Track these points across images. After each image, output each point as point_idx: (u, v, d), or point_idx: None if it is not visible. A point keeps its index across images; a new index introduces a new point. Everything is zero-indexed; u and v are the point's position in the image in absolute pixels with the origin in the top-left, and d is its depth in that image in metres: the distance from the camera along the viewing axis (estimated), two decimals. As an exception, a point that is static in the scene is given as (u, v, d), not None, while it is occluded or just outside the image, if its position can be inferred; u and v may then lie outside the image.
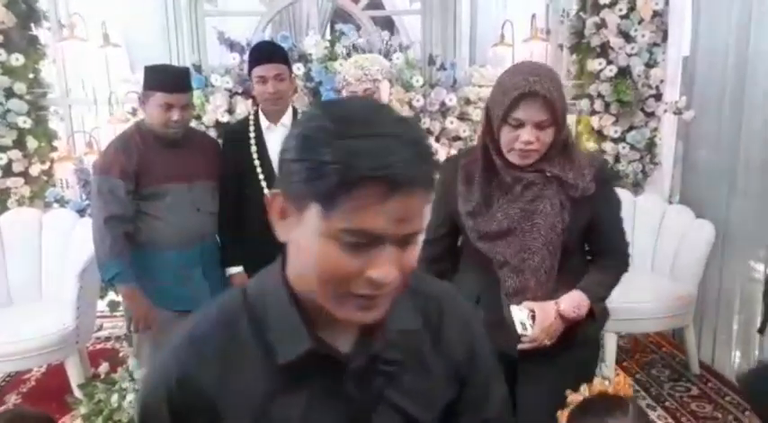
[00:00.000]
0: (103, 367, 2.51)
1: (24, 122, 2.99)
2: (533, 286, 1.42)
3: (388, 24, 4.44)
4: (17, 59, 2.96)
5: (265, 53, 2.20)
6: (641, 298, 2.71)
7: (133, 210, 1.97)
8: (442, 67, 3.14)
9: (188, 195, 2.06)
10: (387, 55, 2.91)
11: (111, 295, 2.95)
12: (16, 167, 3.02)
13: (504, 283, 1.42)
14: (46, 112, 3.17)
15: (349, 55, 2.86)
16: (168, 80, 2.01)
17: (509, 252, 1.41)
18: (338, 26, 3.08)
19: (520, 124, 1.32)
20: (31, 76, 3.09)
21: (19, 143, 3.02)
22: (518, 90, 1.29)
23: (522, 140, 1.33)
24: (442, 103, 3.07)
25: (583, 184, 1.38)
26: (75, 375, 2.61)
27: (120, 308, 2.92)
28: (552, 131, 1.34)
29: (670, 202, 3.15)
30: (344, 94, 2.34)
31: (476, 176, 1.44)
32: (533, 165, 1.39)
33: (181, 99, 2.00)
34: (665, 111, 3.12)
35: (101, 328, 3.43)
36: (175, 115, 1.98)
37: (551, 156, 1.39)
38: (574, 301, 1.41)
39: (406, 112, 2.96)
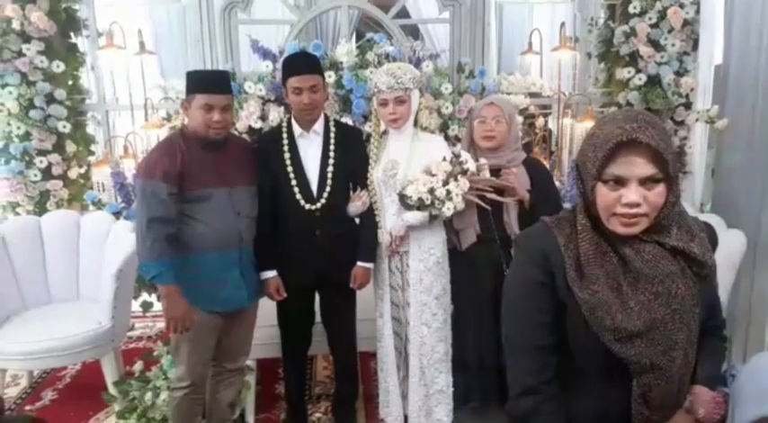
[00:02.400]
0: (138, 366, 2.59)
1: (64, 127, 3.10)
2: (677, 391, 1.16)
3: (412, 32, 4.49)
4: (58, 66, 3.06)
5: (301, 64, 2.25)
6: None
7: (175, 212, 2.02)
8: (471, 75, 3.17)
9: (229, 199, 2.10)
10: (417, 64, 2.95)
11: (144, 296, 3.03)
12: (55, 171, 3.12)
13: (648, 394, 1.13)
14: (84, 117, 3.27)
15: (380, 63, 2.90)
16: (208, 82, 2.06)
17: (654, 352, 1.11)
18: (369, 34, 3.12)
19: (620, 182, 1.06)
20: (70, 82, 3.19)
21: (59, 147, 3.12)
22: (614, 139, 1.05)
23: (626, 202, 1.06)
24: (471, 111, 3.09)
25: (711, 261, 1.15)
26: (110, 373, 2.68)
27: (154, 308, 2.99)
28: (663, 190, 1.07)
29: (701, 211, 3.13)
30: (374, 101, 2.37)
31: (586, 255, 1.15)
32: (646, 234, 1.12)
33: (221, 100, 2.05)
34: (697, 119, 3.11)
35: (132, 327, 3.51)
36: (216, 116, 2.03)
37: (664, 223, 1.12)
38: (710, 402, 1.18)
39: (434, 119, 3.00)
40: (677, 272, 1.12)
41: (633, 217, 1.07)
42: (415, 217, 2.23)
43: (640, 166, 1.05)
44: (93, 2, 3.25)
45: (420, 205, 2.22)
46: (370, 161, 2.37)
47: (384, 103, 2.26)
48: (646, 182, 1.06)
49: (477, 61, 3.29)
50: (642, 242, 1.12)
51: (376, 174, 2.34)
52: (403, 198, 2.25)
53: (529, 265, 1.20)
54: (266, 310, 2.42)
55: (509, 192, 2.26)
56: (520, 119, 3.21)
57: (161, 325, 3.60)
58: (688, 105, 3.17)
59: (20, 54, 3.00)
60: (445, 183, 2.21)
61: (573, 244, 1.16)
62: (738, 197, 2.96)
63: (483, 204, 2.23)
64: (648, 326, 1.10)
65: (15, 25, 2.95)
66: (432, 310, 2.32)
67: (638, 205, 1.06)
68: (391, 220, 2.32)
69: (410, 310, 2.34)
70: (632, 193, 1.05)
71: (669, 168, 1.06)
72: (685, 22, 3.07)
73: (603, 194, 1.08)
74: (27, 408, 2.81)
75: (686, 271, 1.13)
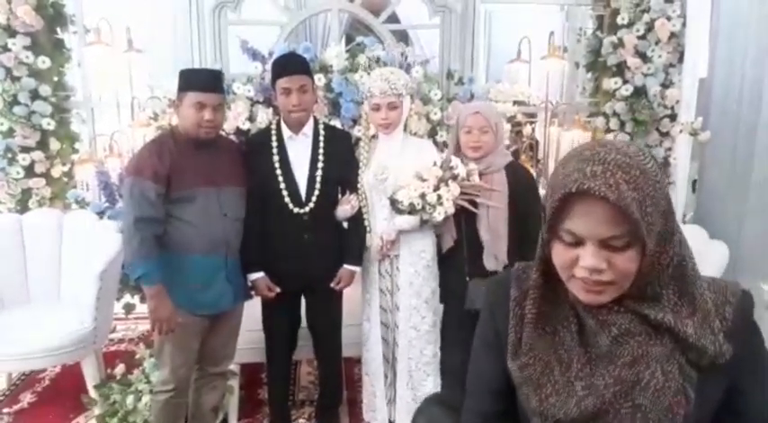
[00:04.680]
0: (119, 369, 2.55)
1: (48, 124, 3.03)
2: None
3: (401, 37, 4.49)
4: (44, 62, 3.01)
5: (290, 65, 2.24)
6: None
7: (163, 212, 2.00)
8: (460, 82, 3.19)
9: (216, 201, 2.08)
10: (407, 69, 2.95)
11: (127, 297, 2.98)
12: (38, 168, 3.06)
13: None
14: (69, 114, 3.21)
15: (370, 67, 2.90)
16: (201, 79, 2.05)
17: None
18: (360, 38, 3.12)
19: (577, 241, 0.83)
20: (55, 78, 3.14)
21: (42, 144, 3.06)
22: (565, 187, 0.81)
23: (585, 266, 0.82)
24: (456, 117, 3.10)
25: (714, 347, 0.84)
26: (91, 376, 2.63)
27: (136, 310, 2.95)
28: (635, 255, 0.81)
29: (683, 222, 3.17)
30: (366, 105, 2.37)
31: (527, 320, 0.93)
32: (621, 304, 0.87)
33: (213, 99, 2.03)
34: (681, 131, 3.15)
35: (114, 329, 3.46)
36: (208, 114, 2.01)
37: (649, 290, 0.86)
38: None
39: (423, 124, 3.00)
40: (659, 356, 0.85)
41: (597, 285, 0.83)
42: (406, 221, 2.24)
43: (599, 225, 0.80)
44: (81, -2, 3.20)
45: (411, 210, 2.23)
46: (360, 165, 2.37)
47: (376, 108, 2.27)
48: (607, 243, 0.81)
49: (465, 68, 3.31)
50: (613, 312, 0.87)
51: (366, 178, 2.34)
52: (394, 203, 2.26)
53: (484, 319, 1.04)
54: (250, 314, 2.40)
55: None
56: (507, 126, 3.23)
57: (143, 327, 3.57)
58: (673, 117, 3.21)
59: (5, 49, 2.94)
60: (436, 188, 2.22)
61: (522, 301, 0.95)
62: (720, 209, 3.01)
63: (474, 209, 2.25)
64: (589, 419, 0.86)
65: (1, 19, 2.90)
66: (421, 313, 2.32)
67: (600, 271, 0.82)
68: (382, 225, 2.32)
69: (399, 314, 2.34)
70: (589, 257, 0.81)
71: (641, 229, 0.79)
72: (672, 35, 3.11)
73: (559, 253, 0.86)
74: (4, 410, 2.75)
75: (676, 356, 0.85)
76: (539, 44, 3.83)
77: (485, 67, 4.57)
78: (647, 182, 0.79)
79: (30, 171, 3.05)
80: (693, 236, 2.94)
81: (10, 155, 3.02)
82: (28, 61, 2.98)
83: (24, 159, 3.02)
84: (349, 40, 3.59)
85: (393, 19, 3.66)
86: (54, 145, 3.10)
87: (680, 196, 3.26)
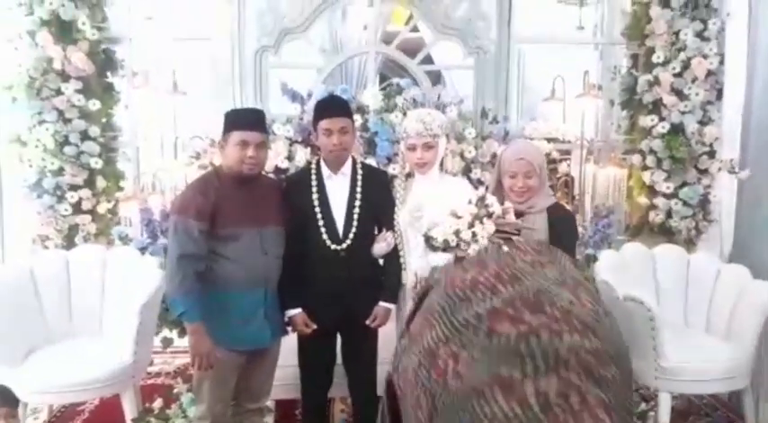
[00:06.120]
0: (157, 403, 2.57)
1: (96, 163, 3.15)
2: None
3: (434, 77, 4.57)
4: (94, 105, 3.15)
5: (333, 107, 2.32)
6: (695, 358, 2.65)
7: (206, 249, 2.05)
8: (495, 121, 3.22)
9: (257, 238, 2.14)
10: (442, 109, 3.00)
11: (165, 332, 3.03)
12: (85, 205, 3.16)
13: None
14: (115, 153, 3.34)
15: (405, 108, 2.97)
16: (244, 118, 2.15)
17: None
18: (395, 79, 3.20)
19: None
20: (104, 120, 3.28)
21: (89, 183, 3.18)
22: None
23: None
24: (494, 155, 3.13)
25: None
26: (129, 409, 2.66)
27: (174, 344, 2.99)
28: None
29: (729, 261, 3.09)
30: (402, 146, 2.42)
31: None
32: None
33: (256, 137, 2.11)
34: (719, 169, 3.11)
35: (151, 363, 3.50)
36: (251, 152, 2.08)
37: None
38: None
39: (457, 162, 3.04)
40: None
41: None
42: (441, 258, 2.24)
43: None
44: (131, 44, 3.37)
45: (446, 247, 2.23)
46: (396, 203, 2.40)
47: (412, 148, 2.31)
48: None
49: (500, 106, 3.36)
50: None
51: (402, 216, 2.36)
52: (429, 240, 2.26)
53: None
54: (286, 351, 2.41)
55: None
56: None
57: (180, 361, 3.60)
58: (711, 154, 3.17)
59: (58, 93, 3.09)
60: (471, 225, 2.22)
61: None
62: (762, 247, 2.93)
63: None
64: None
65: (56, 65, 3.06)
66: (456, 354, 2.29)
67: None
68: (417, 262, 2.33)
69: (434, 354, 2.31)
70: None
71: None
72: (709, 73, 3.10)
73: None
74: (44, 442, 2.79)
75: None
76: (572, 82, 3.86)
77: (518, 106, 4.60)
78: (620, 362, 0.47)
79: (77, 208, 3.16)
80: (736, 274, 2.88)
81: (59, 193, 3.14)
82: (79, 104, 3.12)
83: (72, 197, 3.13)
84: (382, 78, 3.68)
85: (427, 59, 3.74)
86: (101, 183, 3.21)
87: (725, 235, 3.19)
